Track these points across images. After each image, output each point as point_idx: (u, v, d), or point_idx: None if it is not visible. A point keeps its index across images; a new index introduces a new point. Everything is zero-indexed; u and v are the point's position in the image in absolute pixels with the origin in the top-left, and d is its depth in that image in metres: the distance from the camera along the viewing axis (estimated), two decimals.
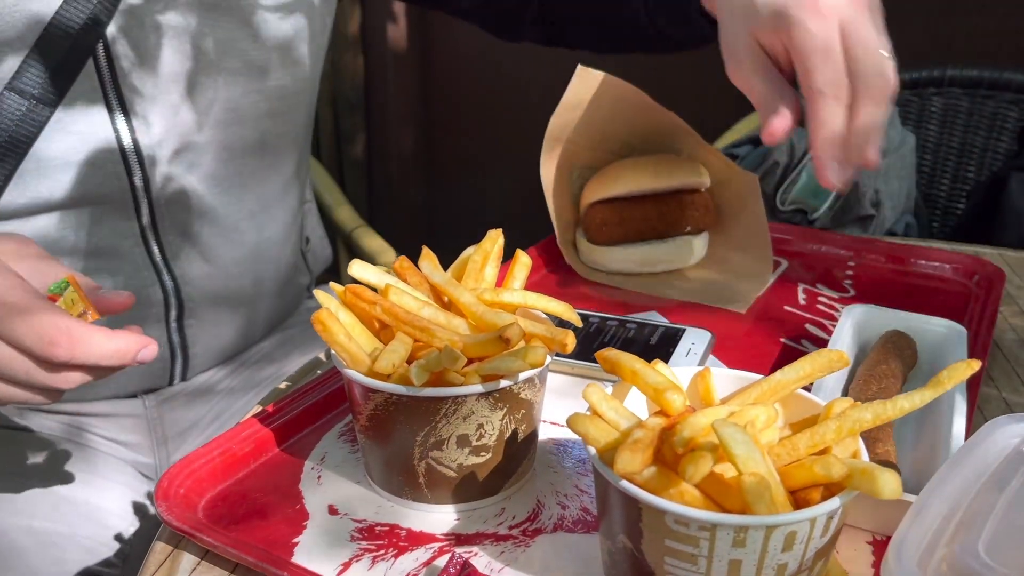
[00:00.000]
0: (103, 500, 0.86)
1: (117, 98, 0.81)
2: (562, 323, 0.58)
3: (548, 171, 0.88)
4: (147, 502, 0.91)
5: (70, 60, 0.77)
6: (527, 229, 0.99)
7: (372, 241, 1.19)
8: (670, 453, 0.43)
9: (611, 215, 0.87)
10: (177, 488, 0.54)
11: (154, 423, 0.93)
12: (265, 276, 0.97)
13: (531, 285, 0.81)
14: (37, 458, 0.85)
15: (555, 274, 0.90)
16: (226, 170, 0.87)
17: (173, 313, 0.86)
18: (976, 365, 0.44)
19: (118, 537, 0.86)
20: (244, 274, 0.92)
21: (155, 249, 0.83)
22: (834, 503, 0.41)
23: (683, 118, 0.89)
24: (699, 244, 0.89)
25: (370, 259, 1.16)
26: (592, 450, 0.45)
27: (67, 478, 0.85)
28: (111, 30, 0.78)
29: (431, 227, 2.52)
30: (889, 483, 0.40)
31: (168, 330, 0.87)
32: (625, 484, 0.42)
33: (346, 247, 1.32)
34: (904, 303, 0.73)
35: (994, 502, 0.40)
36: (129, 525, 0.88)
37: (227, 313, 0.92)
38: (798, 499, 0.43)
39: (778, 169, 1.04)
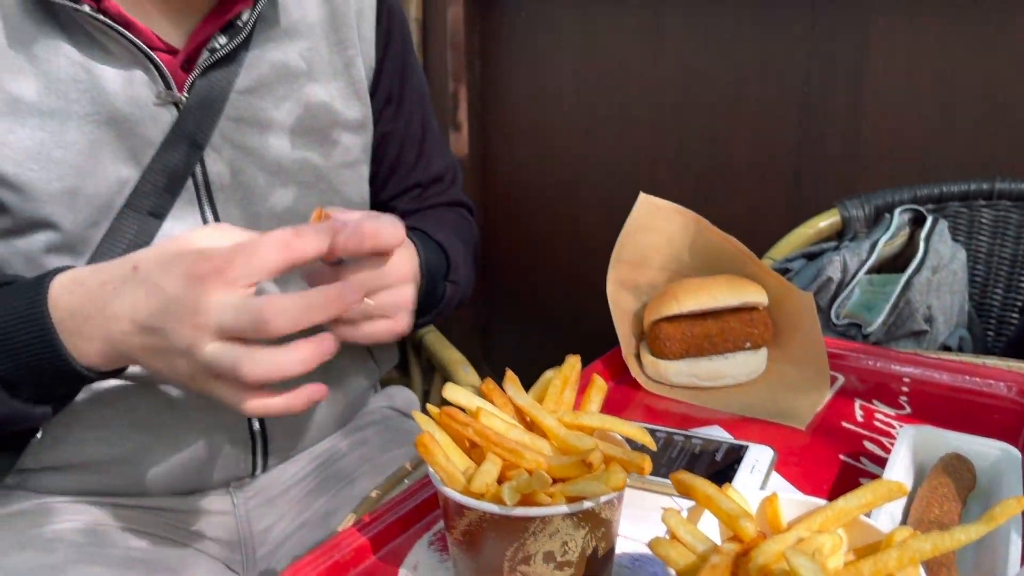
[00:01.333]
0: None
1: (211, 207, 0.92)
2: (636, 445, 0.63)
3: (614, 289, 0.95)
4: None
5: (176, 179, 0.89)
6: (583, 324, 1.05)
7: (441, 347, 1.25)
8: None
9: (674, 331, 0.93)
10: None
11: (241, 520, 0.99)
12: (332, 367, 1.05)
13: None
14: (136, 551, 0.91)
15: (621, 386, 0.96)
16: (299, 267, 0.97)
17: None
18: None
19: None
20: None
21: None
22: None
23: (735, 228, 0.95)
24: (758, 359, 0.94)
25: (440, 364, 1.22)
26: (673, 572, 0.49)
27: (164, 571, 0.91)
28: (208, 151, 0.90)
29: (487, 334, 2.60)
30: None
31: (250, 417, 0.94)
32: None
33: (413, 348, 1.39)
34: (960, 421, 0.76)
35: None
36: None
37: None
38: None
39: (832, 285, 1.09)
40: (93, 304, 0.70)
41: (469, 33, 2.44)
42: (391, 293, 0.79)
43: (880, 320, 1.06)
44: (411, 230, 0.90)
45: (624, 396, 0.93)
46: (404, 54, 1.06)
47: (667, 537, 0.51)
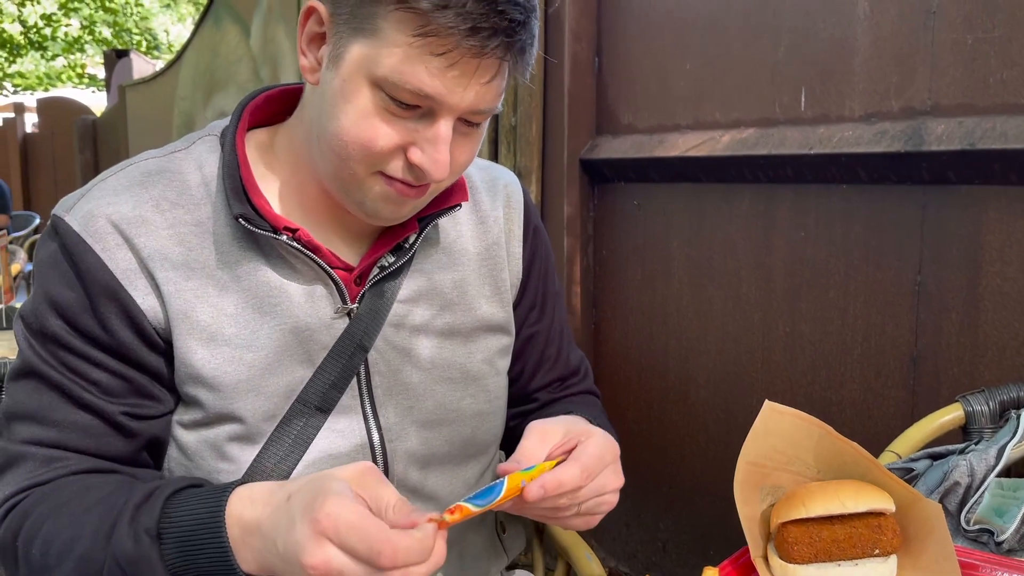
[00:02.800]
0: None
1: (371, 404, 1.03)
2: None
3: (741, 490, 0.99)
4: None
5: (343, 378, 1.00)
6: (700, 499, 1.08)
7: (565, 532, 1.29)
8: None
9: (802, 535, 0.95)
10: None
11: None
12: (467, 551, 1.11)
13: None
14: None
15: None
16: (443, 458, 1.06)
17: None
18: None
19: None
20: (450, 548, 1.06)
21: None
22: None
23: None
24: (888, 568, 0.95)
25: (563, 548, 1.26)
26: None
27: None
28: (372, 353, 1.02)
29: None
30: None
31: None
32: None
33: (537, 533, 1.43)
34: None
35: None
36: None
37: None
38: None
39: (959, 489, 1.09)
40: (258, 523, 0.80)
41: (584, 220, 2.61)
42: (601, 500, 0.91)
43: (1013, 527, 1.04)
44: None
45: None
46: (546, 266, 1.19)
47: None
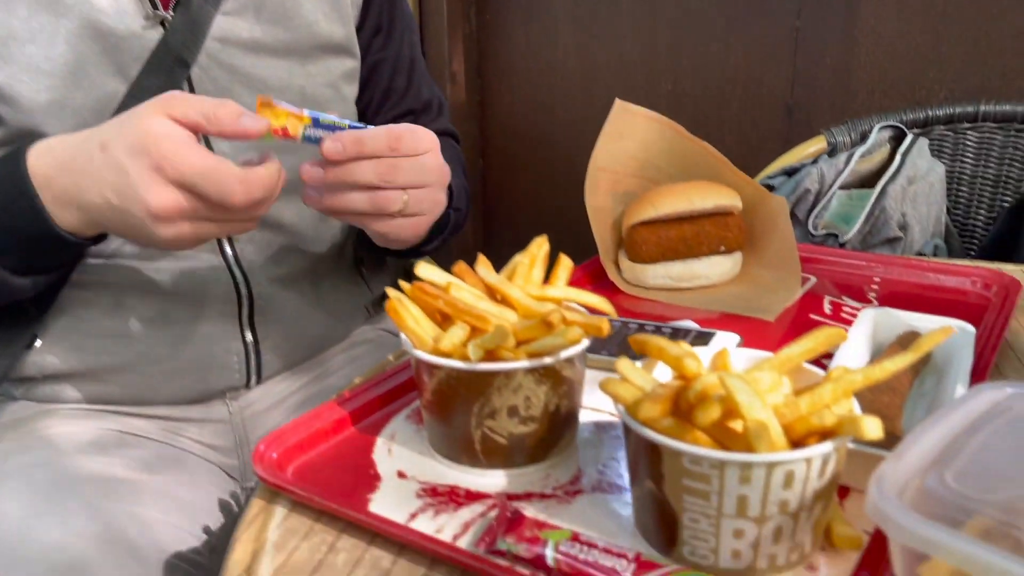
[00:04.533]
0: (194, 497, 0.96)
1: None
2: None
3: (592, 197, 0.98)
4: (232, 501, 1.01)
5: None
6: (577, 254, 1.08)
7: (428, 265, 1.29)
8: (685, 406, 0.50)
9: (650, 235, 0.96)
10: (270, 453, 0.64)
11: (237, 428, 1.03)
12: (324, 284, 1.09)
13: None
14: (140, 455, 0.95)
15: (600, 290, 0.98)
16: (290, 185, 1.00)
17: (246, 311, 0.97)
18: (950, 331, 0.51)
19: (206, 530, 0.96)
20: (306, 278, 1.04)
21: (228, 251, 0.95)
22: (826, 446, 0.48)
23: (730, 159, 0.97)
24: (732, 262, 0.97)
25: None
26: (621, 407, 0.53)
27: (165, 475, 0.95)
28: (195, 70, 0.93)
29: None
30: (871, 426, 0.47)
31: (241, 326, 0.97)
32: (648, 431, 0.50)
33: (405, 277, 1.42)
34: (925, 312, 0.79)
35: (966, 445, 0.47)
36: (216, 520, 0.97)
37: (292, 314, 1.02)
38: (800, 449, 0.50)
39: (810, 196, 1.12)
40: (67, 175, 0.74)
41: None
42: (427, 192, 0.83)
43: (856, 229, 1.08)
44: None
45: None
46: None
47: (618, 379, 0.54)
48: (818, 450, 0.48)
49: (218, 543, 0.98)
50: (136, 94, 0.91)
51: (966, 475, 0.45)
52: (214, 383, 1.00)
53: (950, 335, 0.53)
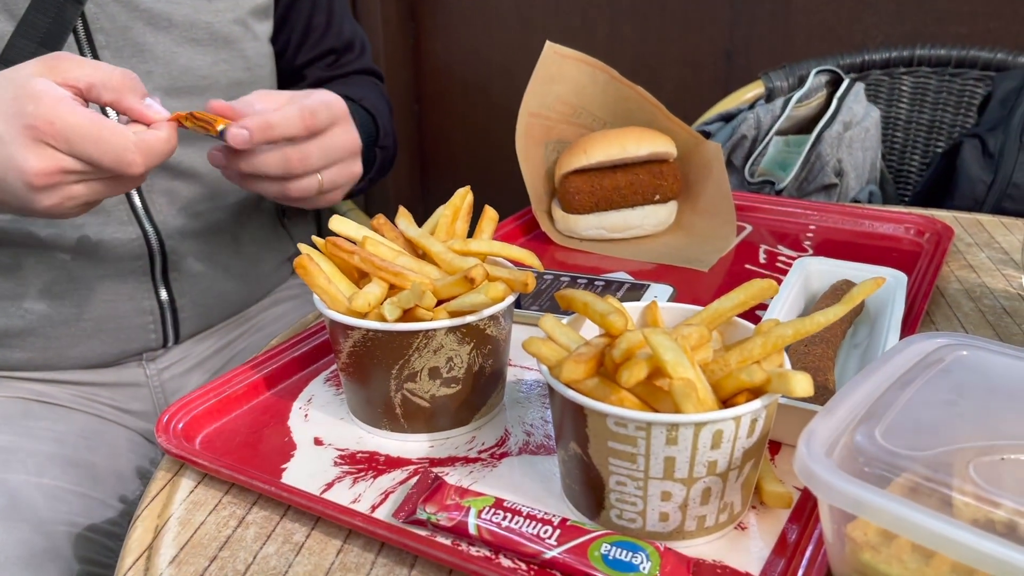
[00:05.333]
0: (111, 463, 0.91)
1: None
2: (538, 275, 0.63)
3: (523, 144, 0.94)
4: (151, 467, 0.97)
5: (53, 35, 0.85)
6: (514, 203, 1.05)
7: (357, 216, 1.24)
8: (611, 365, 0.48)
9: (583, 184, 0.92)
10: (176, 423, 0.60)
11: (156, 391, 0.98)
12: (244, 237, 1.03)
13: None
14: (49, 424, 0.90)
15: (532, 242, 0.96)
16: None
17: (159, 267, 0.92)
18: (881, 282, 0.49)
19: (123, 498, 0.92)
20: (223, 231, 0.98)
21: (138, 203, 0.89)
22: (755, 404, 0.46)
23: (667, 107, 0.94)
24: (667, 211, 0.94)
25: None
26: (544, 368, 0.50)
27: (77, 443, 0.90)
28: (89, 6, 0.85)
29: (426, 216, 2.57)
30: (801, 383, 0.45)
31: (155, 284, 0.92)
32: (572, 393, 0.47)
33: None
34: (859, 259, 0.78)
35: (896, 399, 0.46)
36: (135, 487, 0.93)
37: (209, 270, 0.97)
38: (728, 407, 0.48)
39: (746, 143, 1.09)
40: None
41: None
42: (342, 168, 0.78)
43: (792, 175, 1.06)
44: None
45: (536, 251, 0.92)
46: None
47: (543, 338, 0.51)
48: (747, 408, 0.46)
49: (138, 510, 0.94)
50: (24, 32, 0.83)
51: (896, 430, 0.43)
52: (127, 345, 0.95)
53: (882, 285, 0.51)
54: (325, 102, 0.76)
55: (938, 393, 0.46)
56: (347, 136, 0.79)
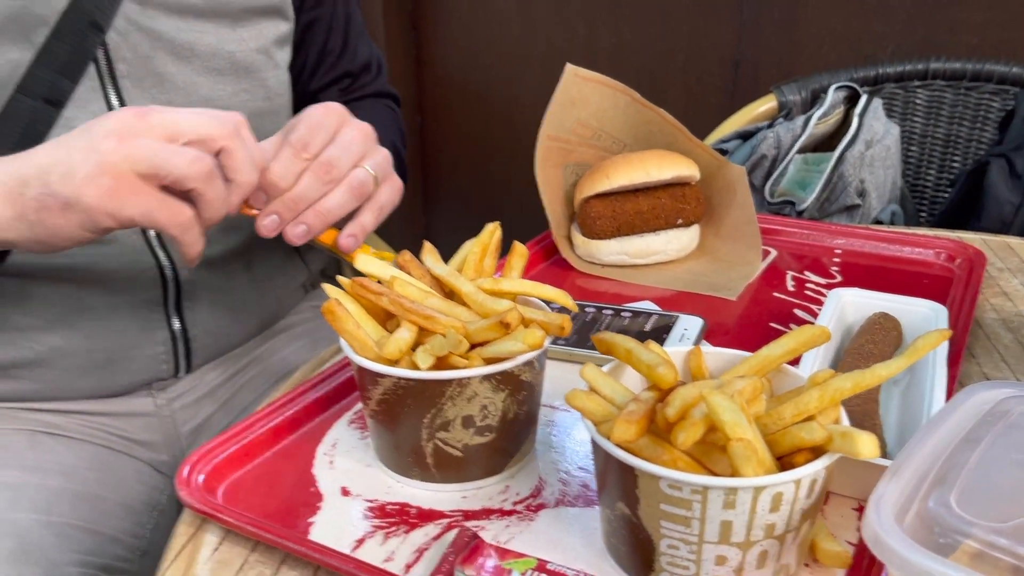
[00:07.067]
0: (119, 495, 0.89)
1: (116, 95, 0.86)
2: (561, 310, 0.61)
3: (543, 168, 0.92)
4: (163, 499, 0.94)
5: (73, 64, 0.82)
6: (525, 227, 1.02)
7: (373, 240, 1.22)
8: (663, 423, 0.45)
9: (604, 209, 0.90)
10: (196, 474, 0.57)
11: (166, 421, 0.96)
12: (256, 264, 1.01)
13: (529, 279, 0.84)
14: (56, 456, 0.87)
15: (552, 268, 0.93)
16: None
17: (172, 297, 0.89)
18: (948, 334, 0.47)
19: (135, 533, 0.89)
20: (237, 259, 0.95)
21: (151, 232, 0.86)
22: (817, 465, 0.44)
23: (673, 114, 0.92)
24: (690, 236, 0.92)
25: None
26: (590, 423, 0.48)
27: (85, 476, 0.87)
28: (111, 35, 0.82)
29: (428, 228, 2.55)
30: (867, 444, 0.43)
31: (167, 314, 0.89)
32: (622, 453, 0.45)
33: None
34: (889, 287, 0.76)
35: (967, 459, 0.43)
36: (146, 520, 0.90)
37: (222, 299, 0.95)
38: (784, 464, 0.46)
39: (766, 162, 1.07)
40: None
41: None
42: (374, 154, 0.76)
43: (813, 196, 1.04)
44: None
45: (555, 278, 0.91)
46: None
47: (585, 390, 0.49)
48: (808, 471, 0.44)
49: (149, 546, 0.91)
50: (43, 61, 0.81)
51: (970, 496, 0.41)
52: (138, 375, 0.92)
53: (948, 338, 0.48)
54: (313, 124, 0.74)
55: (1009, 452, 0.44)
56: (357, 130, 0.76)
